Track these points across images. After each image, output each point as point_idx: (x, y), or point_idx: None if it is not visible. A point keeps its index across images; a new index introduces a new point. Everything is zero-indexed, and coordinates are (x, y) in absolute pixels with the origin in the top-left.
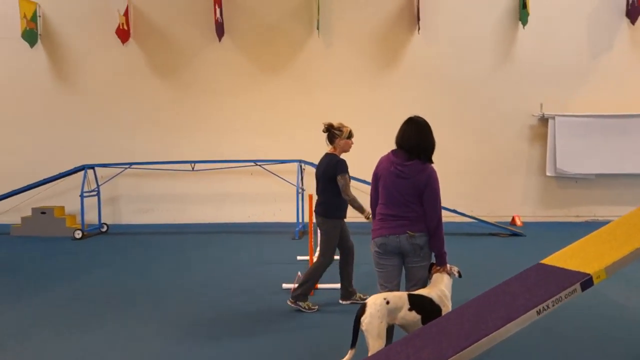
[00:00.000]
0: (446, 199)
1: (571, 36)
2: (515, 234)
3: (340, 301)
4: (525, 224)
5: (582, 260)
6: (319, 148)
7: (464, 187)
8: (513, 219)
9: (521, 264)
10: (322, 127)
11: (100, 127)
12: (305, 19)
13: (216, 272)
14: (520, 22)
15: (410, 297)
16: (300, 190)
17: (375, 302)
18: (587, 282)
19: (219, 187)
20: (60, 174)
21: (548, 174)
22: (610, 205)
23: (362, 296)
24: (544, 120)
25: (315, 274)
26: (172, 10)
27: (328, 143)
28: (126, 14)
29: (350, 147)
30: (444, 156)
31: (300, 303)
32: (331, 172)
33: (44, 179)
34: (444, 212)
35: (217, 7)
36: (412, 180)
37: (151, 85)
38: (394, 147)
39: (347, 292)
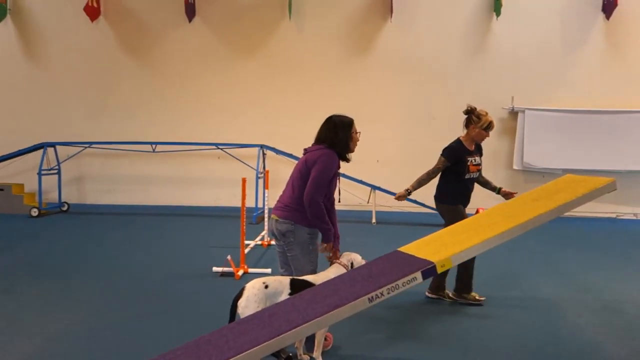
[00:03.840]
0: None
1: (545, 29)
2: None
3: (451, 295)
4: None
5: (435, 248)
6: (282, 134)
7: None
8: (477, 211)
9: None
10: (465, 108)
11: (65, 105)
12: (277, 2)
13: (156, 253)
14: (494, 13)
15: (293, 282)
16: (260, 175)
17: (253, 286)
18: (429, 270)
19: (183, 169)
20: (19, 150)
21: (515, 167)
22: None
23: (477, 297)
24: (513, 114)
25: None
26: None
27: (464, 127)
28: None
29: (483, 138)
30: (412, 147)
31: (465, 295)
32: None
33: (2, 156)
34: (405, 203)
35: None
36: (304, 159)
37: (118, 64)
38: (363, 135)
39: (462, 286)
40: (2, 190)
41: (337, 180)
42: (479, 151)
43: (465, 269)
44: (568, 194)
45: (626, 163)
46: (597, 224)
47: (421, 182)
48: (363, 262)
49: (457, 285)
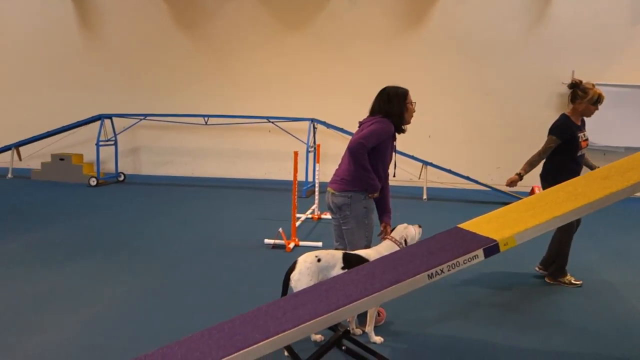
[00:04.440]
0: (461, 164)
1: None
2: None
3: (547, 280)
4: None
5: (498, 226)
6: (333, 108)
7: (483, 154)
8: (532, 189)
9: None
10: (569, 82)
11: (121, 78)
12: None
13: (208, 225)
14: None
15: (346, 256)
16: (310, 149)
17: (305, 260)
18: (491, 248)
19: (234, 142)
20: (77, 122)
21: None
22: None
23: (573, 280)
24: None
25: (559, 245)
26: None
27: (569, 102)
28: None
29: (592, 113)
30: (465, 121)
31: (560, 279)
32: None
33: (62, 127)
34: (457, 179)
35: None
36: (359, 130)
37: (172, 37)
38: (415, 109)
39: (556, 270)
40: (62, 160)
41: (393, 153)
42: (584, 125)
43: (560, 254)
44: None
45: None
46: None
47: (533, 164)
48: (418, 232)
49: (551, 270)
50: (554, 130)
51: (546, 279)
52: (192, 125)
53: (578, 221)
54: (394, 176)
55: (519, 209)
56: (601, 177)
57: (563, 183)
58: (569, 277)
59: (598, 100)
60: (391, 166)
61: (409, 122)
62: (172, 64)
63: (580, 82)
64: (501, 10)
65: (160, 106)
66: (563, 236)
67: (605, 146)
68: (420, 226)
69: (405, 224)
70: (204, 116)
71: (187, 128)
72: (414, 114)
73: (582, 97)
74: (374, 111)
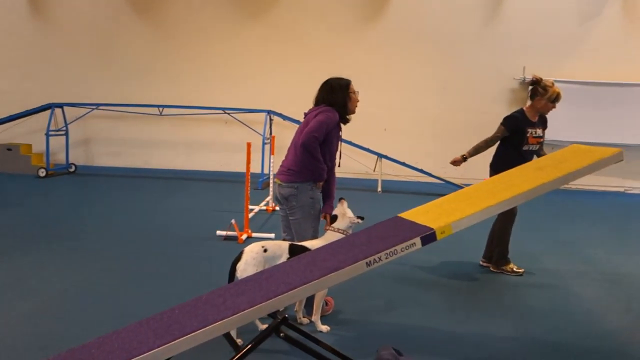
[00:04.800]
0: (415, 157)
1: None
2: None
3: (491, 268)
4: None
5: (435, 215)
6: (289, 100)
7: (436, 147)
8: None
9: None
10: (524, 78)
11: (73, 66)
12: None
13: (161, 216)
14: None
15: (292, 247)
16: (266, 141)
17: (252, 250)
18: (428, 236)
19: (190, 133)
20: (26, 111)
21: None
22: None
23: (515, 268)
24: (525, 85)
25: (500, 233)
26: None
27: (529, 98)
28: None
29: (549, 110)
30: (421, 115)
31: (503, 267)
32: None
33: (10, 116)
34: (411, 172)
35: None
36: (304, 122)
37: (127, 25)
38: (371, 103)
39: (498, 259)
40: (10, 150)
41: (339, 144)
42: (542, 124)
43: (501, 242)
44: (573, 163)
45: (637, 137)
46: (604, 197)
47: (478, 150)
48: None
49: (494, 258)
50: (504, 120)
51: (491, 268)
52: (147, 115)
53: (514, 210)
54: (339, 166)
55: (457, 199)
56: (536, 168)
57: (501, 174)
58: (512, 265)
59: (556, 98)
60: (337, 155)
61: (353, 112)
62: (127, 52)
63: (541, 79)
64: (456, 6)
65: (113, 95)
66: (503, 225)
67: (553, 140)
68: (344, 199)
69: (341, 211)
70: (158, 106)
71: (141, 118)
72: (368, 111)
73: (542, 95)
74: (318, 102)
